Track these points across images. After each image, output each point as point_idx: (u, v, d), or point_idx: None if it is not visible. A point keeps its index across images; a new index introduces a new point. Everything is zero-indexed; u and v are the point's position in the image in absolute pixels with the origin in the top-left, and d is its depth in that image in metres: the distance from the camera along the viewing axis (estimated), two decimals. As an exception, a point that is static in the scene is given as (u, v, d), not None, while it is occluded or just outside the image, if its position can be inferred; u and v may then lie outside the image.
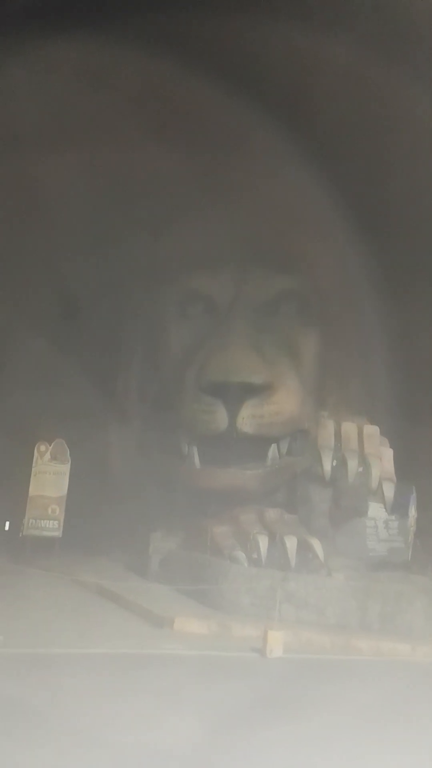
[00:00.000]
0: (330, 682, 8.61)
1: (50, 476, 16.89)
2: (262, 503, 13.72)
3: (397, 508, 13.67)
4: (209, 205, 13.97)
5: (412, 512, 13.80)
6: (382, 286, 14.48)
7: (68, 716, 6.22)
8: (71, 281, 16.10)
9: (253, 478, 13.78)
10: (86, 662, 8.26)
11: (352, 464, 13.76)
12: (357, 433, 14.32)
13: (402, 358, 14.85)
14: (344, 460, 13.85)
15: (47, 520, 16.60)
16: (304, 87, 12.39)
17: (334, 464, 13.91)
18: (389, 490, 13.67)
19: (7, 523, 18.32)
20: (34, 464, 16.91)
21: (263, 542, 12.33)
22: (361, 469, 13.77)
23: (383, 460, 14.00)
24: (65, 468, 16.92)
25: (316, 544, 12.47)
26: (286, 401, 13.76)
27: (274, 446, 13.94)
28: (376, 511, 13.64)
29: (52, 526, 16.59)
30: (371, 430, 14.38)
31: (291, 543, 12.29)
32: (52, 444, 17.04)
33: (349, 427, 14.40)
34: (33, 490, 16.79)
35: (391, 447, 14.37)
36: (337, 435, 14.30)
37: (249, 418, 13.40)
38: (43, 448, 17.03)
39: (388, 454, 14.21)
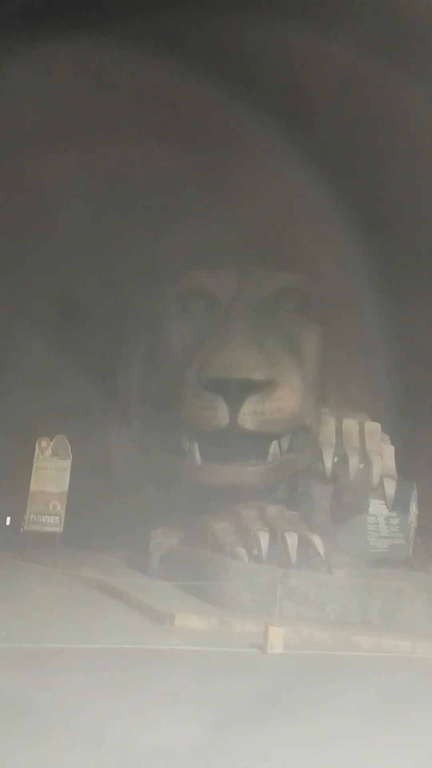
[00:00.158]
0: (330, 679, 8.63)
1: (51, 472, 16.93)
2: (263, 500, 13.73)
3: (398, 504, 13.69)
4: (210, 204, 13.99)
5: (413, 509, 13.81)
6: (383, 284, 14.48)
7: (68, 712, 6.24)
8: (72, 280, 16.10)
9: (254, 474, 13.78)
10: (86, 658, 8.28)
11: (353, 461, 13.76)
12: (358, 430, 14.32)
13: (403, 355, 14.85)
14: (345, 456, 13.85)
15: (48, 516, 16.64)
16: (304, 87, 12.37)
17: (336, 461, 13.91)
18: (390, 487, 13.67)
19: (8, 519, 18.36)
20: (35, 460, 16.95)
21: (264, 539, 12.35)
22: (362, 466, 13.77)
23: (384, 456, 14.00)
24: (66, 464, 16.94)
25: (317, 541, 12.49)
26: (287, 398, 13.75)
27: (275, 443, 13.92)
28: (377, 507, 13.65)
29: (53, 522, 16.63)
30: (372, 427, 14.38)
31: (292, 539, 12.31)
32: (54, 440, 17.07)
33: (350, 424, 14.41)
34: (34, 485, 16.83)
35: (392, 444, 14.38)
36: (339, 432, 14.30)
37: (250, 414, 13.39)
38: (44, 443, 17.06)
39: (389, 450, 14.22)
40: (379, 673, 9.37)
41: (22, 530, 16.98)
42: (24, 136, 13.15)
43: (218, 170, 13.60)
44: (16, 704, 6.30)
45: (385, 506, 13.65)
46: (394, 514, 13.63)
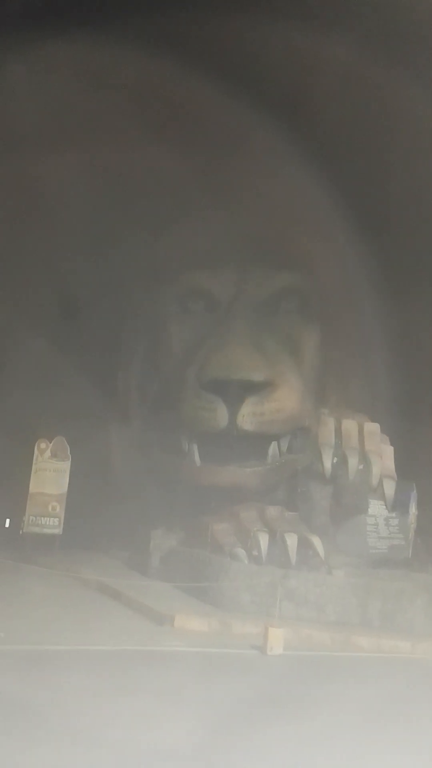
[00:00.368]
0: (330, 680, 8.63)
1: (50, 473, 16.91)
2: (263, 500, 13.71)
3: (398, 505, 13.68)
4: (210, 204, 13.97)
5: (413, 509, 13.80)
6: (383, 284, 14.48)
7: (68, 714, 6.23)
8: (72, 280, 16.09)
9: (254, 475, 13.77)
10: (86, 659, 8.27)
11: (353, 462, 13.75)
12: (357, 431, 14.30)
13: (402, 355, 14.86)
14: (345, 457, 13.84)
15: (48, 518, 16.62)
16: (304, 87, 12.37)
17: (335, 461, 13.90)
18: (390, 488, 13.66)
19: (8, 521, 18.34)
20: (34, 461, 16.92)
21: (264, 539, 12.33)
22: (361, 467, 13.76)
23: (384, 457, 13.99)
24: (66, 465, 16.93)
25: (317, 542, 12.48)
26: (286, 399, 13.75)
27: (274, 444, 13.92)
28: (376, 508, 13.64)
29: (52, 524, 16.61)
30: (372, 428, 14.37)
31: (291, 540, 12.30)
32: (53, 441, 17.05)
33: (349, 425, 14.40)
34: (33, 487, 16.81)
35: (391, 444, 14.37)
36: (338, 432, 14.28)
37: (249, 415, 13.38)
38: (43, 445, 17.04)
39: (389, 451, 14.21)
40: (378, 673, 9.37)
41: (21, 532, 16.96)
42: (24, 136, 13.14)
43: (218, 170, 13.60)
44: (17, 705, 6.29)
45: (384, 507, 13.64)
46: (393, 515, 13.62)
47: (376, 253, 14.08)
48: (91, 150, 13.60)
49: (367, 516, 13.64)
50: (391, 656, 10.31)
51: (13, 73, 12.12)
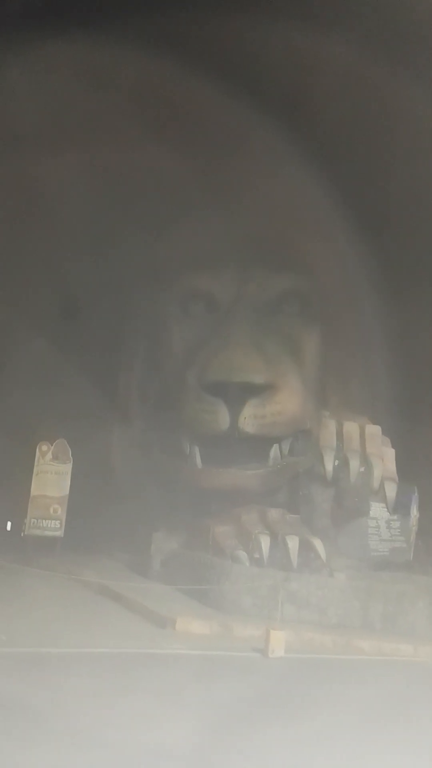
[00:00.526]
0: (332, 682, 8.61)
1: (52, 476, 16.90)
2: (264, 503, 13.68)
3: (399, 508, 13.65)
4: (210, 204, 13.96)
5: (414, 512, 13.78)
6: (384, 286, 14.46)
7: (69, 716, 6.21)
8: (72, 281, 16.09)
9: (255, 478, 13.76)
10: (88, 662, 8.25)
11: (354, 464, 13.74)
12: (359, 433, 14.29)
13: (404, 358, 14.83)
14: (346, 460, 13.82)
15: (49, 520, 16.61)
16: (304, 87, 12.37)
17: (336, 464, 13.88)
18: (391, 490, 13.64)
19: (9, 523, 18.31)
20: (35, 464, 16.91)
21: (265, 542, 12.31)
22: (363, 469, 13.74)
23: (385, 459, 13.97)
24: (67, 468, 16.92)
25: (318, 544, 12.45)
26: (288, 401, 13.73)
27: (275, 446, 13.90)
28: (378, 511, 13.61)
29: (53, 526, 16.60)
30: (373, 430, 14.35)
31: (293, 543, 12.27)
32: (54, 444, 17.03)
33: (351, 427, 14.38)
34: (34, 489, 16.80)
35: (392, 447, 14.35)
36: (339, 435, 14.26)
37: (251, 418, 13.37)
38: (44, 447, 17.03)
39: (390, 453, 14.18)
40: (380, 676, 9.35)
41: (22, 534, 16.93)
42: (24, 136, 13.14)
43: (218, 170, 13.58)
44: (19, 707, 6.28)
45: (386, 509, 13.61)
46: (395, 517, 13.60)
47: (376, 255, 14.07)
48: (91, 150, 13.59)
49: (369, 518, 13.61)
50: (393, 659, 10.29)
51: (13, 73, 12.12)
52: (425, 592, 11.99)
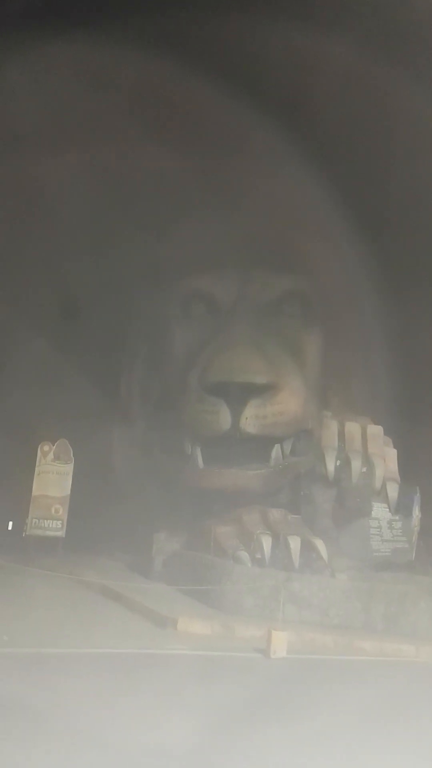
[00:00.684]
0: (333, 683, 8.59)
1: (53, 476, 16.93)
2: (266, 503, 13.69)
3: (401, 508, 13.66)
4: (210, 205, 13.96)
5: (416, 512, 13.78)
6: (385, 286, 14.46)
7: (70, 717, 6.20)
8: (74, 282, 16.10)
9: (257, 478, 13.75)
10: (89, 662, 8.24)
11: (356, 464, 13.73)
12: (360, 434, 14.29)
13: (405, 358, 14.83)
14: (348, 460, 13.82)
15: (50, 520, 16.63)
16: (304, 87, 12.37)
17: (338, 464, 13.88)
18: (393, 491, 13.65)
19: (11, 523, 18.34)
20: (37, 464, 16.94)
21: (267, 543, 12.32)
22: (364, 470, 13.75)
23: (387, 460, 13.97)
24: (68, 468, 16.95)
25: (320, 545, 12.45)
26: (289, 401, 13.73)
27: (277, 446, 13.90)
28: (379, 511, 13.62)
29: (55, 526, 16.62)
30: (375, 430, 14.36)
31: (294, 543, 12.27)
32: (56, 444, 17.06)
33: (352, 428, 14.38)
34: (36, 490, 16.83)
35: (394, 447, 14.34)
36: (341, 435, 14.27)
37: (252, 418, 13.38)
38: (46, 448, 17.06)
39: (392, 454, 14.18)
40: (382, 677, 9.32)
41: (24, 534, 16.96)
42: (24, 136, 13.15)
43: (218, 171, 13.59)
44: (20, 708, 6.26)
45: (387, 510, 13.62)
46: (396, 518, 13.60)
47: (377, 256, 14.07)
48: (91, 150, 13.60)
49: (371, 519, 13.62)
50: (394, 660, 10.27)
51: (13, 73, 12.12)
52: (427, 593, 11.98)
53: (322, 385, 14.93)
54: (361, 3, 11.47)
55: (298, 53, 11.80)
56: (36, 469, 16.90)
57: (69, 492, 16.80)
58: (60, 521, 16.61)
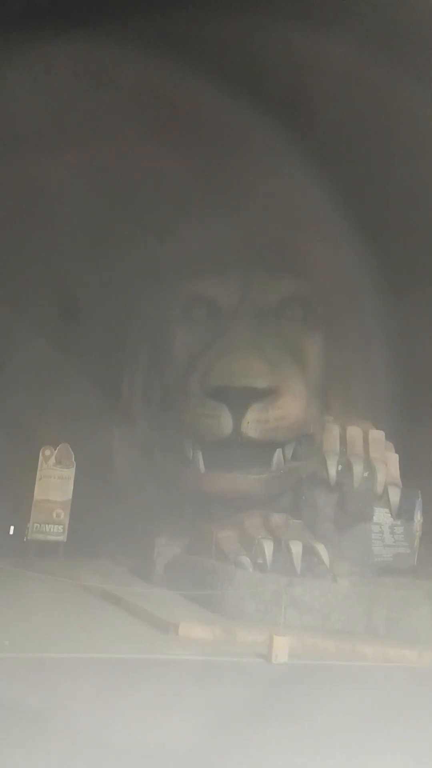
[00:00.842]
0: (335, 688, 8.55)
1: (55, 480, 16.92)
2: (267, 508, 13.66)
3: (403, 513, 13.60)
4: (212, 206, 13.96)
5: (418, 517, 13.73)
6: (387, 290, 14.45)
7: (72, 722, 6.17)
8: (75, 283, 16.11)
9: (258, 482, 13.74)
10: (90, 667, 8.21)
11: (358, 469, 13.69)
12: (362, 438, 14.25)
13: (407, 362, 14.81)
14: (349, 464, 13.77)
15: (52, 525, 16.61)
16: (304, 87, 12.38)
17: (340, 469, 13.84)
18: (395, 495, 13.60)
19: (12, 528, 18.32)
20: (38, 468, 16.93)
21: (268, 547, 12.28)
22: (366, 474, 13.70)
23: (389, 464, 13.93)
24: (70, 472, 16.93)
25: (322, 550, 12.41)
26: (291, 406, 13.72)
27: (279, 451, 13.90)
28: (381, 516, 13.56)
29: (56, 531, 16.61)
30: (376, 435, 14.31)
31: (296, 548, 12.24)
32: (57, 448, 17.05)
33: (354, 432, 14.34)
34: (38, 494, 16.82)
35: (396, 452, 14.31)
36: (343, 440, 14.23)
37: (254, 422, 13.38)
38: (48, 452, 17.05)
39: (394, 458, 14.14)
40: (383, 682, 9.29)
41: (25, 539, 16.95)
42: (24, 136, 13.16)
43: (221, 173, 13.60)
44: (20, 710, 6.25)
45: (389, 514, 13.56)
46: (398, 523, 13.55)
47: (379, 259, 14.07)
48: (91, 150, 13.62)
49: (372, 524, 13.56)
50: (396, 665, 10.23)
51: (13, 73, 12.13)
52: (429, 598, 11.93)
53: (324, 390, 14.92)
54: (361, 3, 11.48)
55: (298, 53, 11.81)
56: (37, 473, 16.90)
57: (70, 496, 16.80)
58: (61, 526, 16.60)
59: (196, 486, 14.01)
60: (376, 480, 13.54)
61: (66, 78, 12.48)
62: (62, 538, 16.59)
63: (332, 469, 13.81)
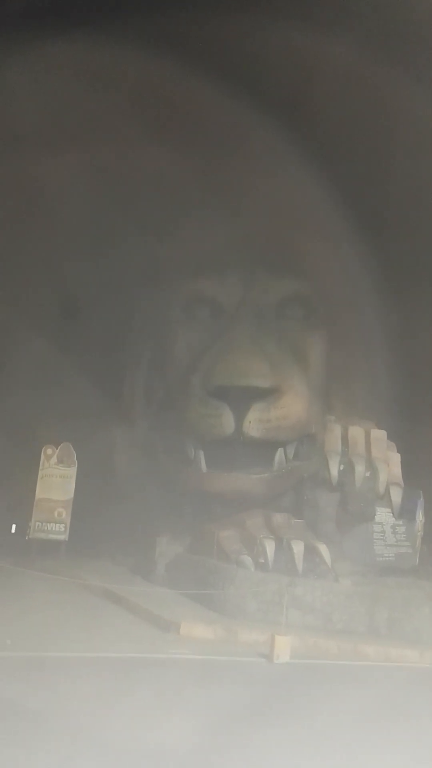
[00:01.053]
0: (337, 688, 8.54)
1: (57, 479, 16.93)
2: (269, 508, 13.65)
3: (405, 512, 13.57)
4: (212, 206, 13.96)
5: (420, 517, 13.70)
6: (388, 290, 14.43)
7: (73, 721, 6.17)
8: (76, 283, 16.11)
9: (260, 482, 13.73)
10: (92, 666, 8.21)
11: (360, 469, 13.67)
12: (364, 438, 14.22)
13: (409, 362, 14.79)
14: (351, 464, 13.75)
15: (54, 524, 16.63)
16: (304, 87, 12.37)
17: (341, 469, 13.81)
18: (397, 495, 13.57)
19: (14, 526, 18.35)
20: (40, 467, 16.95)
21: (270, 547, 12.27)
22: (368, 474, 13.67)
23: (390, 464, 13.90)
24: (72, 471, 16.95)
25: (323, 549, 12.40)
26: (292, 405, 13.72)
27: (280, 450, 13.89)
28: (383, 515, 13.54)
29: (58, 530, 16.62)
30: (378, 435, 14.29)
31: (298, 548, 12.22)
32: (59, 447, 17.07)
33: (356, 432, 14.32)
34: (39, 493, 16.84)
35: (398, 451, 14.28)
36: (344, 439, 14.20)
37: (255, 422, 13.37)
38: (49, 451, 17.07)
39: (396, 458, 14.12)
40: (385, 682, 9.28)
41: (27, 538, 16.98)
42: (24, 136, 13.17)
43: (222, 173, 13.59)
44: (22, 709, 6.25)
45: (391, 514, 13.53)
46: (400, 522, 13.52)
47: (380, 258, 14.05)
48: (91, 150, 13.62)
49: (374, 523, 13.54)
50: (398, 665, 10.22)
51: (13, 73, 12.13)
52: (431, 598, 11.92)
53: (326, 389, 14.90)
54: (361, 3, 11.47)
55: (298, 53, 11.80)
56: (39, 472, 16.92)
57: (72, 495, 16.81)
58: (63, 524, 16.61)
59: (198, 485, 14.00)
60: (378, 480, 13.52)
61: (66, 78, 12.49)
62: (64, 537, 16.61)
63: (334, 468, 13.79)
